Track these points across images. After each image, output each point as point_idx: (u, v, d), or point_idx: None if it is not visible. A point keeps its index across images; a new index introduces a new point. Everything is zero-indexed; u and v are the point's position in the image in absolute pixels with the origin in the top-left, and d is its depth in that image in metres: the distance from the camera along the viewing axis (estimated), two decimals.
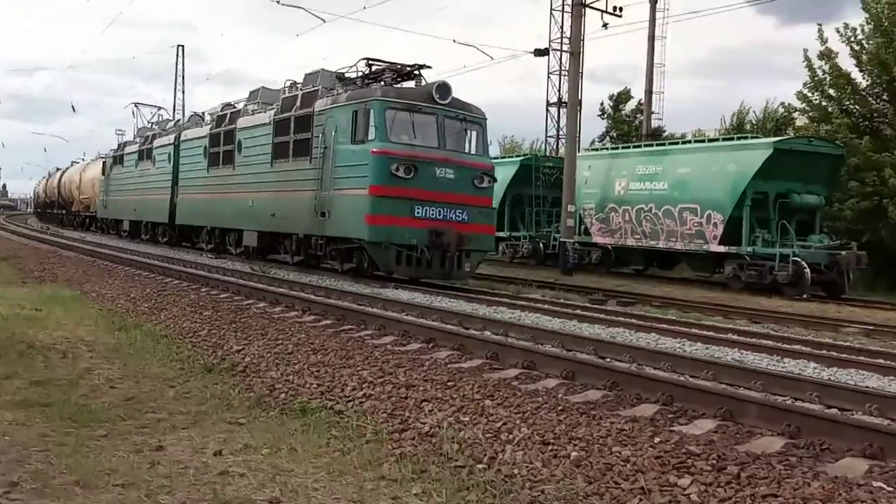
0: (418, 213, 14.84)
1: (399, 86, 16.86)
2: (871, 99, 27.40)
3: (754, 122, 33.57)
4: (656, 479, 4.02)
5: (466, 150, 16.32)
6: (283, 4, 22.75)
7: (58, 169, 54.73)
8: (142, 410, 6.32)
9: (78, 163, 49.22)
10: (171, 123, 30.53)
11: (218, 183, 22.62)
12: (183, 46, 52.76)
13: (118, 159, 34.47)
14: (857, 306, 17.93)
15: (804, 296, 19.43)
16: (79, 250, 23.17)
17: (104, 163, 37.01)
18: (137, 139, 33.25)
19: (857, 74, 27.40)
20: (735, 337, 10.03)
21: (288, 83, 20.40)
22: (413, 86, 17.07)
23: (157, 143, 29.21)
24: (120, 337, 9.54)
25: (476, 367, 6.73)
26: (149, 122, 34.35)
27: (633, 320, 11.09)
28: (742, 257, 21.00)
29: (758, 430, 4.73)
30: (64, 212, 49.21)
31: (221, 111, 23.68)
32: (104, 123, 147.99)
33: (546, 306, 12.33)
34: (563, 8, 30.93)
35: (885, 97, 26.82)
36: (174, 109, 66.92)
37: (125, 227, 33.13)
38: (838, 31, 27.64)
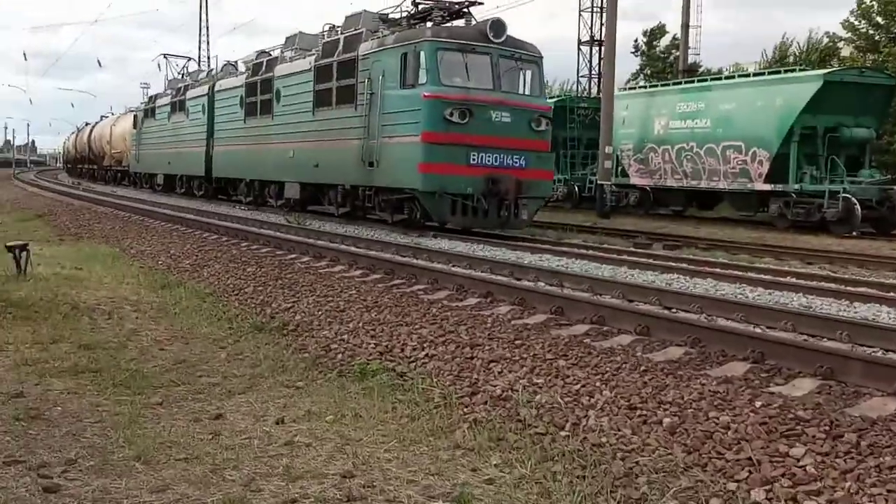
0: (474, 159, 13.92)
1: (449, 25, 15.71)
2: None
3: (797, 53, 32.41)
4: (764, 449, 3.68)
5: (522, 91, 15.22)
6: None
7: (87, 124, 54.17)
8: (195, 374, 6.09)
9: (108, 117, 48.33)
10: (204, 74, 29.55)
11: (256, 134, 21.65)
12: None
13: (150, 112, 33.60)
14: None
15: (854, 233, 18.94)
16: (112, 205, 23.04)
17: (135, 116, 36.29)
18: (169, 91, 32.39)
19: None
20: (795, 280, 9.58)
21: (327, 27, 19.41)
22: (463, 24, 15.93)
23: (190, 94, 28.20)
24: (164, 295, 9.34)
25: (541, 322, 6.38)
26: (179, 74, 33.39)
27: (685, 265, 10.65)
28: (788, 195, 20.45)
29: (865, 391, 4.34)
30: (95, 167, 48.74)
31: (257, 59, 22.59)
32: (130, 78, 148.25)
33: (591, 252, 11.92)
34: None
35: None
36: (199, 61, 66.29)
37: (159, 180, 32.46)
38: None
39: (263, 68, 21.52)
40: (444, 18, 15.55)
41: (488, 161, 14.05)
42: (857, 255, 13.72)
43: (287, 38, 21.40)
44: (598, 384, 4.75)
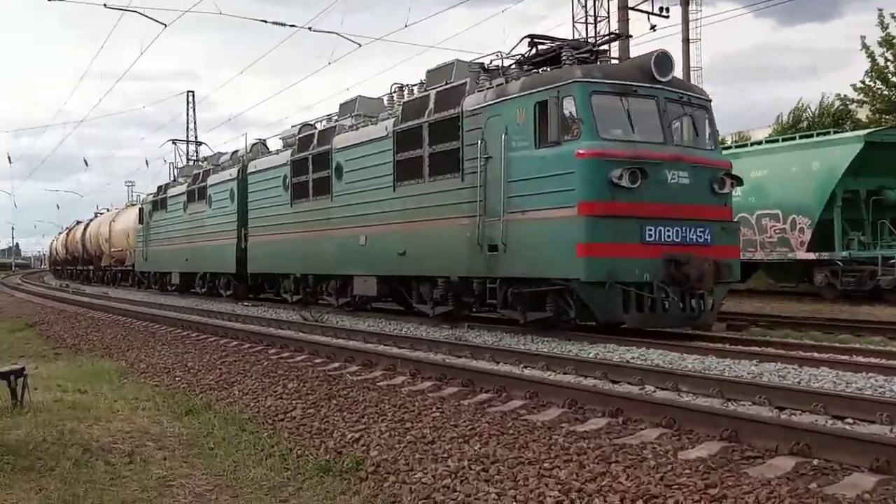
0: (650, 236, 10.89)
1: (597, 63, 12.81)
2: None
3: (810, 118, 31.93)
4: None
5: (695, 144, 12.24)
6: (315, 31, 21.28)
7: (78, 222, 53.08)
8: None
9: (102, 214, 47.26)
10: (227, 157, 26.30)
11: (308, 219, 18.45)
12: (193, 93, 51.25)
13: (159, 204, 30.76)
14: None
15: None
16: (109, 310, 21.61)
17: (141, 210, 33.90)
18: (182, 179, 30.03)
19: None
20: None
21: (395, 86, 16.86)
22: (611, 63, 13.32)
23: (212, 179, 25.28)
24: (191, 424, 7.81)
25: (716, 453, 4.86)
26: (192, 160, 31.81)
27: (777, 350, 9.29)
28: (835, 263, 19.44)
29: None
30: (90, 267, 46.70)
31: (301, 133, 19.80)
32: (115, 176, 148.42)
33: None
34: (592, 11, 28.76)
35: None
36: (187, 155, 66.11)
37: (174, 280, 29.45)
38: (893, 16, 26.36)
39: (315, 141, 18.55)
40: (575, 60, 12.49)
41: (668, 237, 11.07)
42: None
43: (342, 105, 18.61)
44: None
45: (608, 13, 26.42)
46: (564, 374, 8.23)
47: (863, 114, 29.41)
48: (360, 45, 22.30)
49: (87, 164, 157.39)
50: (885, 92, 28.07)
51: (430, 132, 13.94)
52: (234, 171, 23.40)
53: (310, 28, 21.21)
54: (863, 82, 28.55)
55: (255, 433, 7.21)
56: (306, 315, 16.88)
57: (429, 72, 15.09)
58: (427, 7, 25.96)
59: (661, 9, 26.19)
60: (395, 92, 16.79)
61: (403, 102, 15.49)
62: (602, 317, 11.18)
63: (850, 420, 5.80)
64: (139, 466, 6.39)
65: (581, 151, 10.85)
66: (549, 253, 11.18)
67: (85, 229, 47.23)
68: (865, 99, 29.11)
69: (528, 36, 13.47)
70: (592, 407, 6.31)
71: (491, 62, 14.08)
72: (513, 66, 13.61)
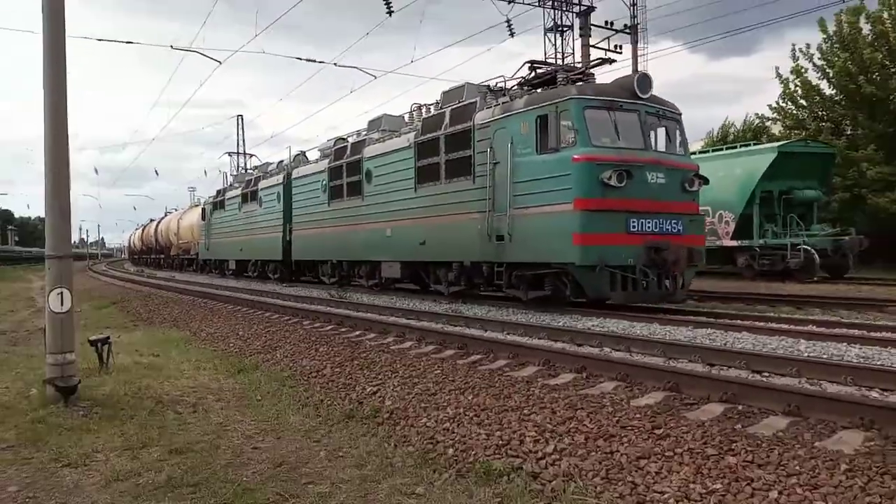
0: (633, 227, 10.70)
1: (591, 83, 12.30)
2: (837, 107, 25.81)
3: (735, 133, 31.83)
4: None
5: (670, 151, 11.90)
6: (339, 66, 21.16)
7: (151, 220, 52.94)
8: (300, 482, 4.53)
9: (171, 213, 46.76)
10: (274, 166, 26.25)
11: (343, 216, 18.34)
12: (242, 116, 50.98)
13: (219, 204, 30.62)
14: (864, 284, 16.59)
15: (815, 278, 18.06)
16: (176, 290, 21.50)
17: (203, 209, 33.74)
18: (236, 185, 29.88)
19: (824, 86, 25.98)
20: (815, 329, 8.21)
21: (414, 106, 16.61)
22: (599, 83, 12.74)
23: (262, 184, 25.15)
24: (242, 381, 7.77)
25: (660, 401, 4.84)
26: (243, 169, 31.38)
27: (708, 318, 9.20)
28: (753, 249, 19.49)
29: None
30: (162, 256, 46.36)
31: (336, 145, 19.69)
32: (181, 184, 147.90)
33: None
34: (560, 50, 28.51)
35: (846, 103, 25.40)
36: (237, 168, 65.94)
37: (231, 266, 29.11)
38: (801, 51, 26.25)
39: (349, 152, 18.32)
40: (568, 81, 12.22)
41: (648, 227, 10.87)
42: (841, 299, 12.43)
43: (370, 122, 18.44)
44: (772, 477, 3.19)
45: (573, 50, 26.32)
46: (539, 339, 8.19)
47: (776, 129, 29.31)
48: (376, 77, 22.22)
49: (157, 173, 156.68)
50: (794, 111, 27.99)
51: (446, 142, 13.81)
52: (280, 177, 23.33)
53: (335, 64, 21.08)
54: (777, 104, 28.47)
55: (293, 388, 7.19)
56: (333, 293, 16.82)
57: (444, 93, 14.87)
58: (429, 46, 25.82)
59: (615, 46, 26.12)
60: (414, 110, 16.66)
61: (423, 119, 15.29)
62: (593, 294, 10.98)
63: (766, 373, 5.78)
64: (201, 415, 6.38)
65: (576, 156, 10.70)
66: (548, 242, 11.01)
67: (157, 225, 47.03)
68: (778, 117, 29.05)
69: (529, 62, 13.25)
70: (562, 365, 6.29)
71: (496, 84, 13.82)
72: (514, 87, 13.40)
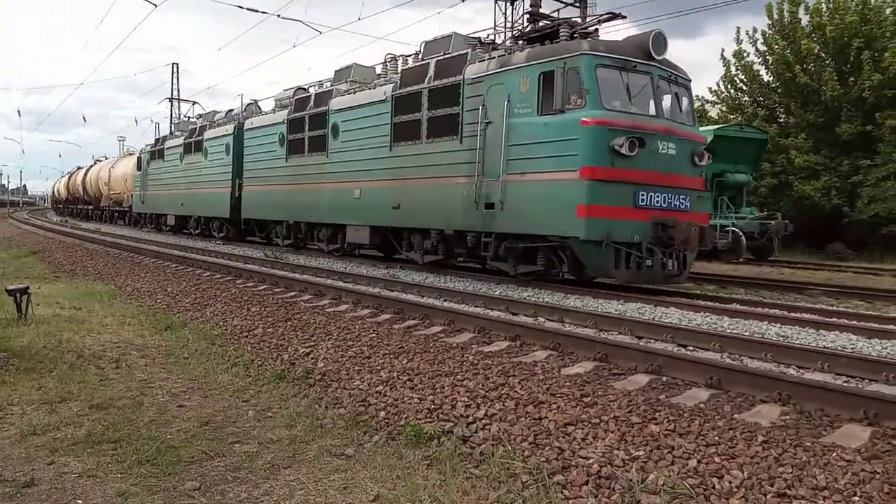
0: (642, 200, 9.66)
1: (600, 39, 10.88)
2: (773, 94, 26.72)
3: None
4: None
5: (680, 120, 10.70)
6: (283, 18, 20.42)
7: (79, 168, 49.63)
8: (226, 441, 4.47)
9: (101, 161, 43.86)
10: (222, 115, 23.79)
11: (303, 173, 16.61)
12: (177, 64, 48.81)
13: (157, 154, 28.13)
14: (787, 267, 17.33)
15: (741, 259, 18.70)
16: (102, 243, 20.68)
17: (139, 158, 31.15)
18: (177, 133, 27.43)
19: (763, 72, 26.78)
20: (739, 307, 8.47)
21: (388, 57, 15.03)
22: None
23: (208, 134, 22.98)
24: (169, 338, 7.59)
25: (590, 370, 4.95)
26: (185, 117, 29.15)
27: (638, 294, 9.36)
28: None
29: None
30: (91, 207, 43.66)
31: (296, 96, 17.75)
32: (109, 132, 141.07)
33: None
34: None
35: (782, 91, 26.34)
36: (171, 120, 62.92)
37: (169, 221, 27.03)
38: (746, 33, 26.96)
39: (312, 103, 16.56)
40: (575, 35, 10.87)
41: (657, 202, 9.84)
42: (766, 280, 12.94)
43: (337, 72, 16.61)
44: (715, 458, 3.33)
45: (522, 21, 26.20)
46: (475, 306, 8.24)
47: (714, 112, 30.05)
48: (321, 33, 21.62)
49: (85, 120, 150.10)
50: (733, 94, 28.74)
51: (429, 98, 12.37)
52: (230, 128, 21.39)
53: (278, 15, 20.35)
54: (717, 86, 29.16)
55: (222, 346, 7.04)
56: (268, 253, 16.48)
57: (425, 43, 13.44)
58: (378, 4, 25.20)
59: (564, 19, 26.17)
60: (389, 61, 15.05)
61: (402, 70, 13.73)
62: (594, 272, 10.13)
63: (691, 347, 5.98)
64: (124, 371, 6.20)
65: (586, 119, 9.54)
66: (547, 212, 9.92)
67: (86, 174, 44.23)
68: (717, 100, 29.75)
69: (529, 13, 12.01)
70: (497, 333, 6.35)
71: (487, 36, 12.49)
72: (509, 41, 12.00)
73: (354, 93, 15.14)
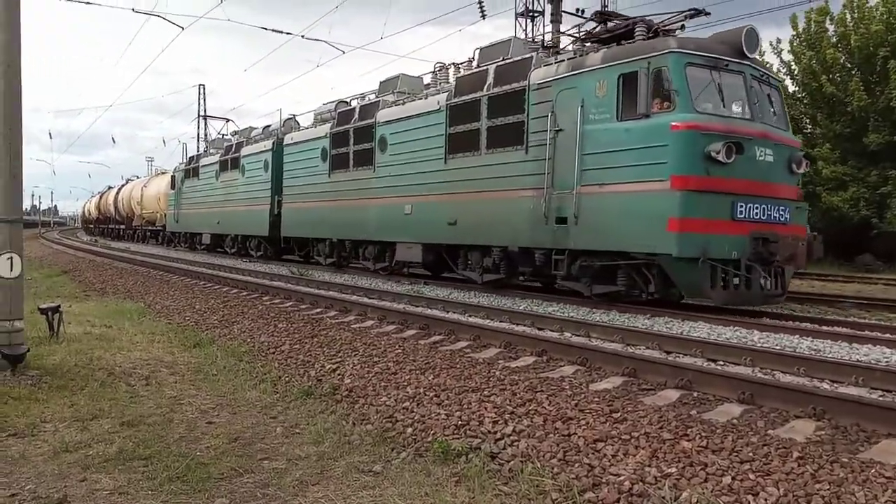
0: (740, 212, 8.72)
1: (686, 36, 9.92)
2: (799, 104, 26.42)
3: None
4: None
5: (776, 124, 9.79)
6: (307, 38, 20.74)
7: (110, 187, 49.97)
8: (255, 457, 4.47)
9: (133, 180, 44.01)
10: (258, 131, 23.34)
11: (348, 188, 15.85)
12: (203, 85, 49.87)
13: (191, 172, 27.82)
14: (816, 280, 17.08)
15: None
16: (131, 261, 20.98)
17: (173, 177, 30.92)
18: (212, 151, 27.03)
19: (788, 82, 26.48)
20: (769, 321, 8.23)
21: (438, 66, 14.32)
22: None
23: (245, 151, 22.50)
24: (198, 355, 7.65)
25: (618, 386, 4.90)
26: (220, 134, 28.34)
27: (664, 308, 9.21)
28: None
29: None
30: (122, 227, 43.52)
31: (338, 108, 17.26)
32: (137, 152, 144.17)
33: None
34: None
35: (808, 101, 26.03)
36: (197, 140, 63.60)
37: (204, 240, 26.48)
38: (770, 44, 26.73)
39: (357, 116, 15.85)
40: (652, 36, 10.02)
41: (755, 214, 8.89)
42: (790, 292, 12.70)
43: (383, 83, 16.01)
44: (749, 475, 3.26)
45: (542, 35, 26.36)
46: (501, 321, 8.21)
47: None
48: (344, 52, 21.87)
49: (114, 141, 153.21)
50: None
51: (489, 106, 11.55)
52: (268, 144, 20.89)
53: (302, 36, 20.72)
54: None
55: (250, 363, 7.09)
56: (294, 270, 16.62)
57: (482, 49, 12.68)
58: (399, 24, 25.39)
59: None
60: (438, 70, 14.32)
61: (457, 78, 12.92)
62: (688, 293, 9.19)
63: (721, 362, 5.88)
64: (154, 388, 6.26)
65: (676, 124, 8.66)
66: (631, 227, 8.96)
67: (118, 193, 44.20)
68: None
69: (598, 12, 11.20)
70: (523, 348, 6.32)
71: (552, 39, 11.78)
72: (575, 43, 11.29)
73: (403, 104, 14.35)
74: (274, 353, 7.28)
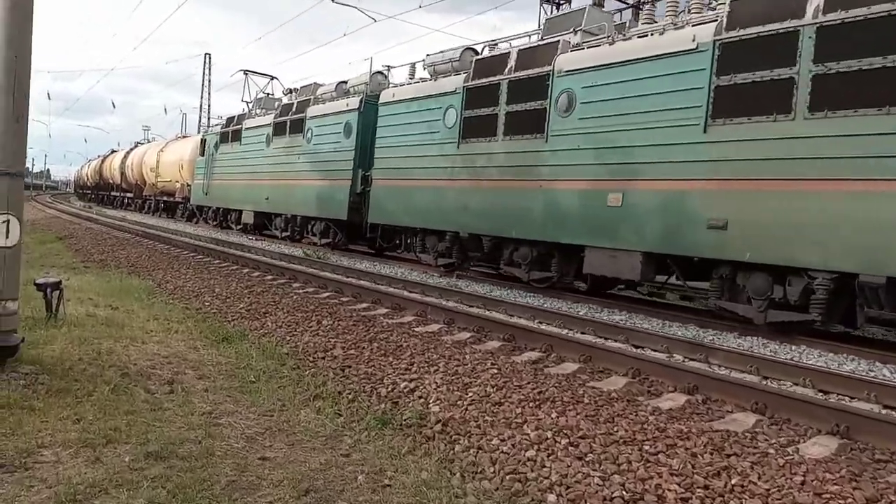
0: None
1: None
2: None
3: None
4: None
5: None
6: (337, 3, 19.05)
7: (113, 151, 45.55)
8: None
9: (144, 144, 39.63)
10: (326, 87, 18.41)
11: (492, 165, 11.66)
12: (210, 55, 47.92)
13: (230, 136, 22.91)
14: None
15: None
16: (132, 232, 19.53)
17: (203, 140, 25.66)
18: (259, 111, 22.44)
19: None
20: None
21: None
22: None
23: (313, 111, 17.89)
24: (227, 352, 6.33)
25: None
26: (262, 92, 23.53)
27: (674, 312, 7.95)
28: None
29: None
30: (129, 195, 38.14)
31: (473, 57, 12.86)
32: (136, 120, 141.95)
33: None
34: None
35: None
36: (200, 111, 61.44)
37: (245, 218, 21.85)
38: None
39: (514, 63, 11.52)
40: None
41: None
42: None
43: (551, 20, 12.02)
44: None
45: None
46: (617, 341, 6.89)
47: None
48: (376, 21, 20.25)
49: (114, 106, 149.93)
50: None
51: (819, 38, 7.35)
52: (352, 101, 16.35)
53: (333, 0, 18.90)
54: None
55: (296, 369, 5.77)
56: (309, 252, 15.17)
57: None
58: (407, 4, 23.40)
59: None
60: None
61: (732, 2, 8.29)
62: None
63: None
64: (180, 397, 4.93)
65: None
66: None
67: (125, 158, 38.85)
68: None
69: None
70: (660, 380, 4.99)
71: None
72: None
73: (612, 43, 9.97)
74: (324, 358, 5.94)
